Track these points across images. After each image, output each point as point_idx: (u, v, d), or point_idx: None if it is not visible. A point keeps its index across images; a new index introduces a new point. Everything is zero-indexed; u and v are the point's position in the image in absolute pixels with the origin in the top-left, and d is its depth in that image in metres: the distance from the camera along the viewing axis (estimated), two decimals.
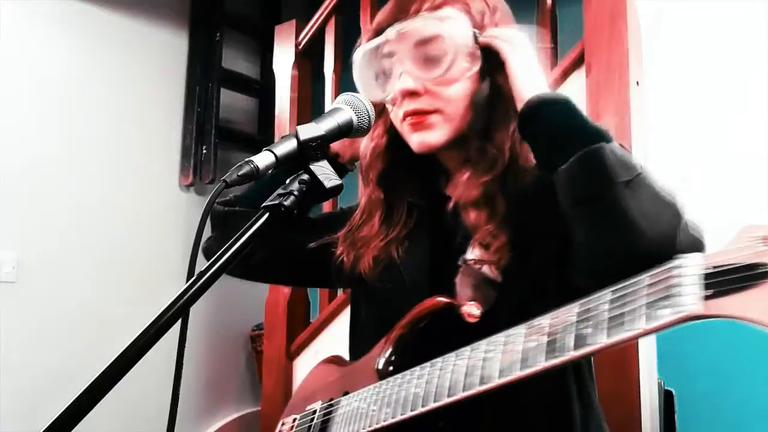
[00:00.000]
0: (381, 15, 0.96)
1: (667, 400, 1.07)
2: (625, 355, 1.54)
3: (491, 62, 0.91)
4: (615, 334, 0.55)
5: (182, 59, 3.26)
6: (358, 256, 1.00)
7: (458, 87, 0.91)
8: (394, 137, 0.99)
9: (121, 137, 2.96)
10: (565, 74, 1.69)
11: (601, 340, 0.55)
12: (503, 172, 0.91)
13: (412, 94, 0.90)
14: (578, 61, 1.65)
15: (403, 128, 0.94)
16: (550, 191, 0.81)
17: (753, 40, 1.46)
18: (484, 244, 0.89)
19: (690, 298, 0.50)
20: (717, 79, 1.53)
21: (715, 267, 0.50)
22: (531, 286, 0.87)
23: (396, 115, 0.95)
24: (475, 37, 0.90)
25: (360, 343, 1.02)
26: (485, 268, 0.89)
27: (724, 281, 0.48)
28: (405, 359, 0.88)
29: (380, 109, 0.99)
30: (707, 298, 0.49)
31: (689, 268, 0.52)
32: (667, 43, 1.59)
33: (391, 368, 0.89)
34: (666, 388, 1.00)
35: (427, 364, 0.77)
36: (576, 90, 1.63)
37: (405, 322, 0.90)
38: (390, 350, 0.91)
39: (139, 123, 3.04)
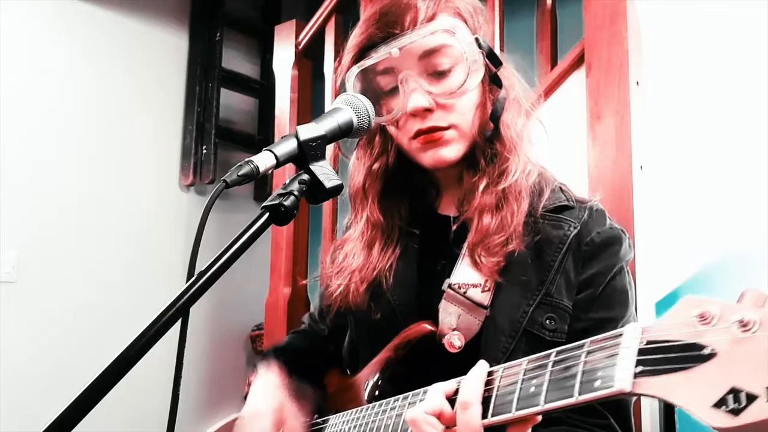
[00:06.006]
0: (365, 31, 0.89)
1: None
2: None
3: (494, 63, 0.90)
4: (550, 400, 0.56)
5: (182, 59, 3.26)
6: (349, 288, 0.95)
7: (469, 97, 0.89)
8: (396, 156, 0.96)
9: (121, 137, 2.96)
10: (565, 74, 1.69)
11: (539, 403, 0.56)
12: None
13: (425, 111, 0.87)
14: (578, 61, 1.65)
15: (412, 146, 0.91)
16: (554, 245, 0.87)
17: (754, 40, 1.46)
18: (480, 258, 0.86)
19: (621, 373, 0.50)
20: (718, 79, 1.53)
21: (648, 342, 0.50)
22: (516, 316, 0.85)
23: (403, 132, 0.91)
24: (478, 42, 0.88)
25: (354, 360, 1.02)
26: (471, 292, 0.86)
27: (655, 360, 0.48)
28: (391, 384, 0.89)
29: (374, 129, 0.95)
30: (637, 375, 0.49)
31: (626, 340, 0.52)
32: (667, 43, 1.58)
33: (377, 393, 0.91)
34: None
35: (400, 396, 0.77)
36: (576, 90, 1.64)
37: (392, 345, 0.90)
38: (377, 375, 0.91)
39: (139, 123, 3.04)
